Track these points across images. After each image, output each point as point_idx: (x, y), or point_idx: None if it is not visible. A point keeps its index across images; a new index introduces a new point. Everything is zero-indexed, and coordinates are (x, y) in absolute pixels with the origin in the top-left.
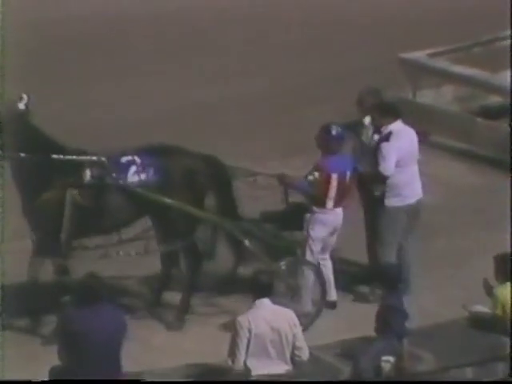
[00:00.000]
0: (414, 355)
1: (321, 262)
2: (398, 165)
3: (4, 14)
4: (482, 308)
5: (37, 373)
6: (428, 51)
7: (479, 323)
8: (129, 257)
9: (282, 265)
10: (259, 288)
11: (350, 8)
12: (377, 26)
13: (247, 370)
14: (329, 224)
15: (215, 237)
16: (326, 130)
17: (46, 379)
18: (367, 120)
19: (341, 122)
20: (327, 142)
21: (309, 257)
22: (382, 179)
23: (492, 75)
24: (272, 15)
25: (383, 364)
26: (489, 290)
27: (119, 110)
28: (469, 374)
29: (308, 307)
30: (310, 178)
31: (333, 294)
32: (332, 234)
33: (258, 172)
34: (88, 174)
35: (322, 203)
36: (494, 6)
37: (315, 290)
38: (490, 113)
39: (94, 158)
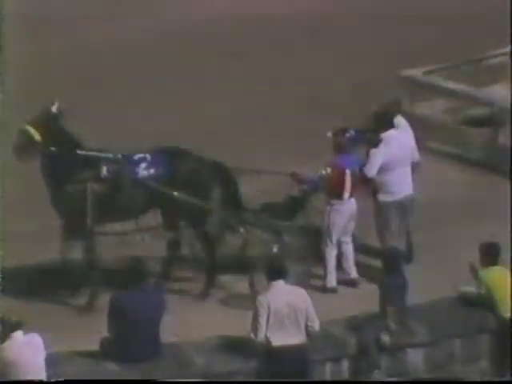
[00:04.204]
0: (409, 329)
1: (343, 244)
2: (386, 168)
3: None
4: (470, 288)
5: (90, 342)
6: (423, 69)
7: (467, 301)
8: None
9: (274, 247)
10: (273, 272)
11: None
12: (380, 43)
13: (268, 341)
14: (345, 212)
15: (222, 225)
16: (342, 132)
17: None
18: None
19: (357, 129)
20: (341, 143)
21: (329, 241)
22: (367, 180)
23: (477, 89)
24: (286, 25)
25: (382, 336)
26: (474, 273)
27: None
28: (457, 344)
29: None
30: (323, 172)
31: (353, 273)
32: (349, 219)
33: (274, 171)
34: (105, 169)
35: (339, 195)
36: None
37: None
38: (475, 121)
39: (110, 155)
